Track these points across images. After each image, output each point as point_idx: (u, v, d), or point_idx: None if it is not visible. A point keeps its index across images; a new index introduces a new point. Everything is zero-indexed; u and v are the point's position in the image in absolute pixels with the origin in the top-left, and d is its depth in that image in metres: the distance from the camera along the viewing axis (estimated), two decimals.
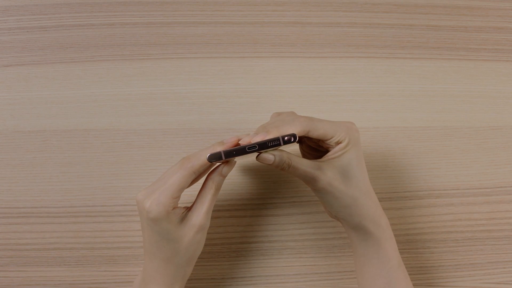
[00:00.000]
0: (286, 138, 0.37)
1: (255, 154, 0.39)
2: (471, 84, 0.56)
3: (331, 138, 0.41)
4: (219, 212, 0.51)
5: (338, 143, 0.41)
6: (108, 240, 0.51)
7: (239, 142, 0.39)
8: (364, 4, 0.56)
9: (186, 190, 0.40)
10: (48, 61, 0.53)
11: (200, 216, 0.41)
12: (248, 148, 0.37)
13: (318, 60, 0.55)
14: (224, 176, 0.42)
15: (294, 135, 0.37)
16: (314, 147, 0.45)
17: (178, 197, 0.40)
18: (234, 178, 0.52)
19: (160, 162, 0.52)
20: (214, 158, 0.38)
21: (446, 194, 0.53)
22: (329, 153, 0.41)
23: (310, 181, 0.41)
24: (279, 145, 0.37)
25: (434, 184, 0.53)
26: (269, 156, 0.40)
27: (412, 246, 0.52)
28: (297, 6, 0.56)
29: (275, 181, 0.52)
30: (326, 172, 0.40)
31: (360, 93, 0.55)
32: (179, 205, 0.41)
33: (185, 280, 0.43)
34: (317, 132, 0.40)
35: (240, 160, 0.48)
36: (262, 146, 0.37)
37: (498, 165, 0.54)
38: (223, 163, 0.41)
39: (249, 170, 0.52)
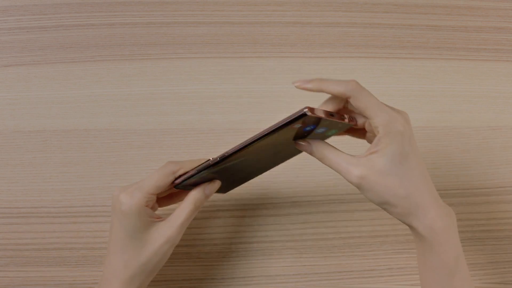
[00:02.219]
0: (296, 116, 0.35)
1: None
2: (471, 84, 0.56)
3: (370, 118, 0.37)
4: (219, 212, 0.51)
5: (376, 130, 0.38)
6: (108, 240, 0.51)
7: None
8: (364, 4, 0.56)
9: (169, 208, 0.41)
10: (48, 61, 0.53)
11: (172, 228, 0.40)
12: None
13: (318, 60, 0.55)
14: (207, 195, 0.41)
15: (303, 111, 0.35)
16: None
17: (153, 195, 0.40)
18: None
19: (160, 162, 0.52)
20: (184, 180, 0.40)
21: (446, 194, 0.53)
22: (370, 147, 0.38)
23: (343, 175, 0.38)
24: (294, 122, 0.35)
25: (434, 184, 0.53)
26: (302, 143, 0.39)
27: (413, 246, 0.52)
28: (297, 6, 0.56)
29: (275, 181, 0.52)
30: (361, 168, 0.37)
31: None
32: (157, 215, 0.41)
33: (147, 281, 0.41)
34: (358, 102, 0.37)
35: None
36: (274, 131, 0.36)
37: (498, 165, 0.54)
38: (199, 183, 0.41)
39: None
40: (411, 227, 0.39)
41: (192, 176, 0.39)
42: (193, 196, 0.41)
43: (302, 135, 0.39)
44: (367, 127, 0.40)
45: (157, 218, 0.41)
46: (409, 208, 0.38)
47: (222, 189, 0.44)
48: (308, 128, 0.37)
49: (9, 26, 0.54)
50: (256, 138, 0.36)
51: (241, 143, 0.37)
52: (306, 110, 0.35)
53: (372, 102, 0.37)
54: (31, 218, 0.51)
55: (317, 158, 0.39)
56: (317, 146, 0.39)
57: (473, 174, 0.54)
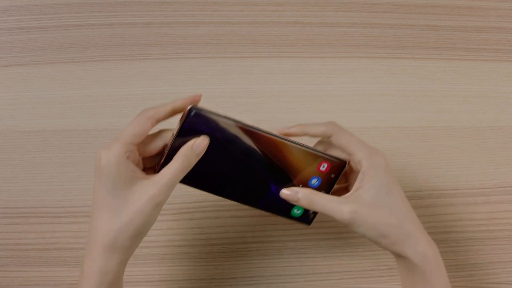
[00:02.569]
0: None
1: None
2: (471, 84, 0.56)
3: (353, 154, 0.40)
4: (219, 212, 0.51)
5: (360, 165, 0.39)
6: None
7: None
8: (364, 4, 0.56)
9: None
10: (48, 61, 0.53)
11: (156, 186, 0.36)
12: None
13: (318, 60, 0.55)
14: (196, 153, 0.38)
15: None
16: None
17: (133, 145, 0.37)
18: None
19: None
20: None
21: (446, 194, 0.53)
22: (354, 184, 0.40)
23: (334, 216, 0.38)
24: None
25: (434, 184, 0.53)
26: (287, 192, 0.40)
27: None
28: (297, 6, 0.56)
29: None
30: (351, 205, 0.38)
31: (360, 93, 0.55)
32: (142, 173, 0.38)
33: (126, 255, 0.38)
34: (340, 140, 0.40)
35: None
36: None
37: (498, 165, 0.54)
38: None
39: None
40: (402, 256, 0.39)
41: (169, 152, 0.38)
42: (181, 152, 0.37)
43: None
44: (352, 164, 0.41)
45: (142, 176, 0.38)
46: (402, 237, 0.38)
47: (202, 185, 0.41)
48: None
49: (9, 26, 0.54)
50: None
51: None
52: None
53: (353, 139, 0.40)
54: (31, 218, 0.51)
55: (305, 205, 0.39)
56: (303, 192, 0.40)
57: (473, 174, 0.54)
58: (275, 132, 0.40)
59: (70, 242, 0.50)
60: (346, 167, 0.41)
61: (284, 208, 0.42)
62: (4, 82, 0.53)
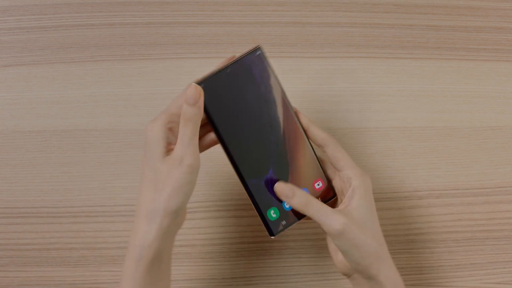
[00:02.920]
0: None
1: None
2: (471, 84, 0.56)
3: (344, 170, 0.40)
4: (219, 212, 0.51)
5: (349, 182, 0.40)
6: (108, 240, 0.51)
7: None
8: (364, 4, 0.56)
9: None
10: (48, 61, 0.53)
11: (176, 149, 0.37)
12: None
13: (318, 60, 0.55)
14: (190, 104, 0.38)
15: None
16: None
17: (175, 115, 0.38)
18: (234, 178, 0.52)
19: None
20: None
21: (446, 194, 0.53)
22: (344, 201, 0.40)
23: (326, 223, 0.39)
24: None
25: (434, 184, 0.53)
26: (283, 187, 0.40)
27: (412, 246, 0.52)
28: (297, 6, 0.56)
29: None
30: (345, 217, 0.38)
31: (360, 93, 0.55)
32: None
33: (168, 230, 0.38)
34: (335, 152, 0.40)
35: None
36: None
37: (498, 165, 0.54)
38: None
39: None
40: (374, 280, 0.39)
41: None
42: (182, 111, 0.38)
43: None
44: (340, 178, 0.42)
45: None
46: (378, 261, 0.39)
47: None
48: None
49: (9, 26, 0.54)
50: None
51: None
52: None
53: (347, 156, 0.41)
54: (31, 218, 0.51)
55: (297, 205, 0.39)
56: (301, 192, 0.40)
57: (473, 174, 0.54)
58: (303, 127, 0.41)
59: (70, 242, 0.50)
60: (333, 201, 0.42)
61: (264, 203, 0.41)
62: (4, 82, 0.53)
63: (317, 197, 0.42)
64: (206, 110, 0.39)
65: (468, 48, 0.56)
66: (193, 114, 0.38)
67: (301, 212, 0.39)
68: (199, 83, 0.38)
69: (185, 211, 0.41)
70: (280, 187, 0.40)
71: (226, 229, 0.51)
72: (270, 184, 0.41)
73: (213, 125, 0.40)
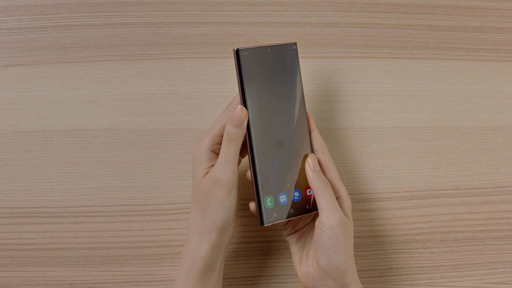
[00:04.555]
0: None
1: None
2: (471, 84, 0.56)
3: (337, 188, 0.42)
4: None
5: (336, 193, 0.42)
6: (108, 240, 0.51)
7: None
8: (364, 4, 0.56)
9: None
10: (48, 61, 0.53)
11: (215, 167, 0.40)
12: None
13: (318, 60, 0.55)
14: (235, 125, 0.40)
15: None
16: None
17: (218, 137, 0.41)
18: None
19: (160, 162, 0.52)
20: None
21: (446, 194, 0.53)
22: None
23: (327, 211, 0.40)
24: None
25: (434, 184, 0.53)
26: (314, 157, 0.42)
27: (412, 246, 0.52)
28: (297, 6, 0.56)
29: None
30: (343, 216, 0.41)
31: (360, 93, 0.55)
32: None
33: (217, 242, 0.41)
34: (329, 172, 0.42)
35: None
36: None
37: (498, 165, 0.54)
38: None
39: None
40: (340, 273, 0.40)
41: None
42: (225, 130, 0.41)
43: None
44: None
45: None
46: (351, 272, 0.41)
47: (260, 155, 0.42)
48: None
49: (9, 26, 0.54)
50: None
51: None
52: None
53: (338, 177, 0.43)
54: (31, 218, 0.51)
55: (318, 178, 0.41)
56: (321, 174, 0.42)
57: (473, 174, 0.54)
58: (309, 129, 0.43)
59: (70, 242, 0.50)
60: (315, 213, 0.43)
61: (265, 189, 0.42)
62: (4, 82, 0.53)
63: (306, 204, 0.43)
64: (240, 76, 0.41)
65: (468, 48, 0.56)
66: (238, 136, 0.40)
67: (313, 187, 0.41)
68: (243, 50, 0.41)
69: (235, 223, 0.43)
70: (313, 157, 0.42)
71: None
72: (273, 173, 0.42)
73: (242, 92, 0.41)
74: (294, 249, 0.45)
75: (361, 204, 0.52)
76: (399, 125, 0.54)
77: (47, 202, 0.51)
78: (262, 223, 0.42)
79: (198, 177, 0.41)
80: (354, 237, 0.52)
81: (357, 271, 0.51)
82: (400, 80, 0.55)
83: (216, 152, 0.42)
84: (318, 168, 0.41)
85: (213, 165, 0.41)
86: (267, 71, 0.42)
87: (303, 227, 0.45)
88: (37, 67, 0.53)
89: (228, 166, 0.40)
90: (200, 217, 0.41)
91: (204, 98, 0.54)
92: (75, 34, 0.54)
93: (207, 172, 0.41)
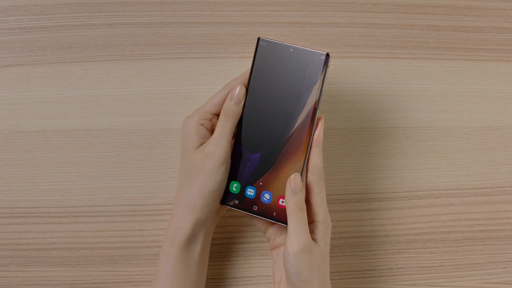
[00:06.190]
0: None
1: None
2: (471, 84, 0.56)
3: (316, 211, 0.41)
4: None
5: (314, 215, 0.41)
6: (108, 240, 0.51)
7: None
8: (364, 4, 0.56)
9: None
10: (48, 61, 0.53)
11: (209, 141, 0.41)
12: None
13: None
14: (235, 102, 0.41)
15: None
16: None
17: (210, 113, 0.42)
18: None
19: (160, 162, 0.52)
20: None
21: (446, 194, 0.53)
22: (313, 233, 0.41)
23: (297, 230, 0.39)
24: None
25: (434, 184, 0.53)
26: (298, 177, 0.40)
27: (412, 246, 0.52)
28: (297, 6, 0.56)
29: None
30: (312, 242, 0.39)
31: (361, 93, 0.55)
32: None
33: (201, 214, 0.41)
34: (312, 194, 0.41)
35: None
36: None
37: (498, 165, 0.54)
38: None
39: None
40: None
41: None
42: (223, 107, 0.41)
43: None
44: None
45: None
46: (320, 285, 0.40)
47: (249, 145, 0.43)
48: None
49: (9, 26, 0.54)
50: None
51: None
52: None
53: (321, 200, 0.41)
54: (31, 218, 0.51)
55: (294, 203, 0.39)
56: (302, 197, 0.40)
57: (473, 174, 0.54)
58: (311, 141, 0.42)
59: (70, 242, 0.50)
60: (284, 225, 0.42)
61: (235, 173, 0.42)
62: (4, 82, 0.53)
63: (273, 212, 0.42)
64: (252, 64, 0.42)
65: (468, 48, 0.56)
66: (235, 112, 0.41)
67: (287, 208, 0.40)
68: (264, 40, 0.42)
69: (221, 206, 0.44)
70: (297, 177, 0.40)
71: (226, 229, 0.51)
72: (250, 164, 0.42)
73: (249, 79, 0.42)
74: (276, 267, 0.44)
75: (361, 204, 0.52)
76: (399, 125, 0.54)
77: (47, 202, 0.51)
78: (222, 203, 0.43)
79: (188, 150, 0.42)
80: (354, 237, 0.52)
81: (357, 271, 0.51)
82: (400, 80, 0.55)
83: (205, 126, 0.42)
84: (299, 190, 0.39)
85: (203, 141, 0.42)
86: (282, 69, 0.42)
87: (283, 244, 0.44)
88: (37, 67, 0.53)
89: (222, 141, 0.40)
90: (187, 188, 0.41)
91: (204, 98, 0.53)
92: (75, 34, 0.54)
93: (198, 146, 0.41)
